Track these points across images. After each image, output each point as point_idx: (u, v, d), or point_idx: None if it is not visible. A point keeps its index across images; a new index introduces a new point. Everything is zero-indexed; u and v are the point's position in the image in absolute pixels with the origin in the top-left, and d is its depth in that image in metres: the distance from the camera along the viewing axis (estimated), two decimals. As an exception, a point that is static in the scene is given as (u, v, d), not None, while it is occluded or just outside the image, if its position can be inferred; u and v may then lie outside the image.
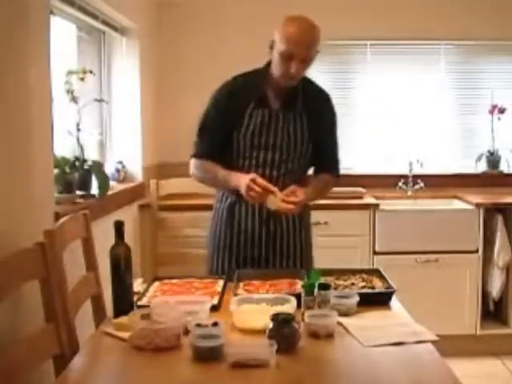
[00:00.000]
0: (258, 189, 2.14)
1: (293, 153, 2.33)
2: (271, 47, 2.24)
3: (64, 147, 2.69)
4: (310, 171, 2.48)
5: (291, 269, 2.36)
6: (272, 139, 2.30)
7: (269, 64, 2.30)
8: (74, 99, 2.73)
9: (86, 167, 2.74)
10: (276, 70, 2.24)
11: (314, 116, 2.35)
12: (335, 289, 2.03)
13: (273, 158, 2.31)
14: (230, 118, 2.30)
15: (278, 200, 2.15)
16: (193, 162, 2.40)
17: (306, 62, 2.22)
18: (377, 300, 2.00)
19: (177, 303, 1.84)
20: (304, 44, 2.19)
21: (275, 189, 2.16)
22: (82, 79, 2.80)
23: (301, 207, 2.24)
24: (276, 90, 2.31)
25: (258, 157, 2.32)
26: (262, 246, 2.36)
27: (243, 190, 2.17)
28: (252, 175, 2.18)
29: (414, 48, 4.30)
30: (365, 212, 3.71)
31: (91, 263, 2.15)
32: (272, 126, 2.30)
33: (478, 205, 3.72)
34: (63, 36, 2.94)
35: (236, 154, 2.34)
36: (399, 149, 4.30)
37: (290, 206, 2.16)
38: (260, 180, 2.16)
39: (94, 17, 3.16)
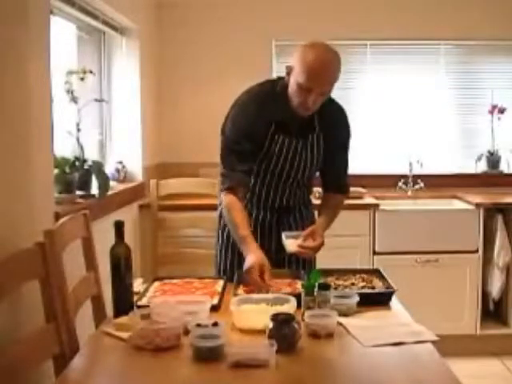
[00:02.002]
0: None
1: (308, 172, 2.34)
2: (288, 73, 2.15)
3: (64, 147, 2.69)
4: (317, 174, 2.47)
5: (291, 269, 2.36)
6: (288, 166, 2.28)
7: (286, 85, 2.19)
8: (74, 99, 2.73)
9: (86, 167, 2.74)
10: (293, 97, 2.16)
11: (329, 132, 2.31)
12: (335, 289, 2.03)
13: (287, 178, 2.32)
14: (254, 141, 2.22)
15: (296, 245, 2.13)
16: (224, 198, 2.24)
17: (325, 94, 2.15)
18: (377, 300, 2.00)
19: (177, 303, 1.83)
20: (324, 80, 2.10)
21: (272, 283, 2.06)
22: (82, 79, 2.80)
23: (318, 250, 2.20)
24: (294, 112, 2.21)
25: (273, 177, 2.31)
26: (271, 250, 2.34)
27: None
28: (251, 265, 2.03)
29: (413, 48, 4.30)
30: (365, 212, 3.71)
31: (91, 263, 2.15)
32: (290, 154, 2.26)
33: (477, 205, 3.72)
34: (63, 36, 2.94)
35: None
36: (399, 149, 4.30)
37: (307, 251, 2.15)
38: (255, 275, 2.01)
39: (94, 17, 3.16)
